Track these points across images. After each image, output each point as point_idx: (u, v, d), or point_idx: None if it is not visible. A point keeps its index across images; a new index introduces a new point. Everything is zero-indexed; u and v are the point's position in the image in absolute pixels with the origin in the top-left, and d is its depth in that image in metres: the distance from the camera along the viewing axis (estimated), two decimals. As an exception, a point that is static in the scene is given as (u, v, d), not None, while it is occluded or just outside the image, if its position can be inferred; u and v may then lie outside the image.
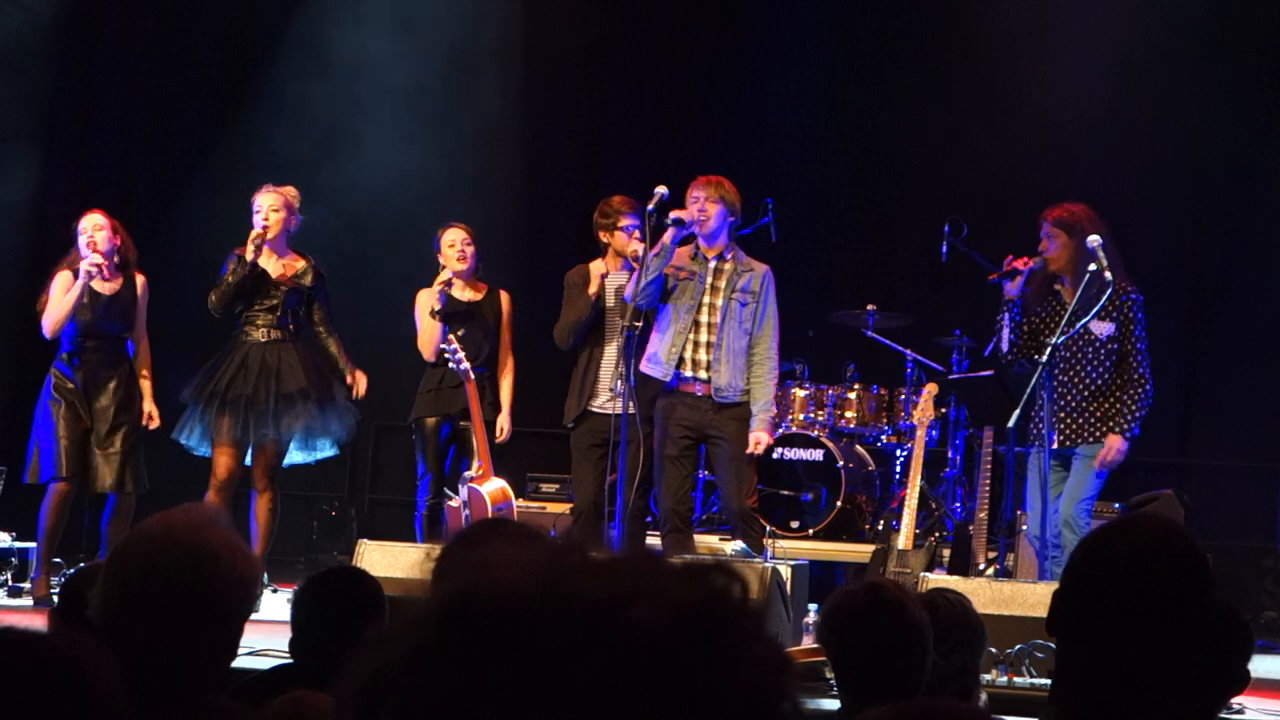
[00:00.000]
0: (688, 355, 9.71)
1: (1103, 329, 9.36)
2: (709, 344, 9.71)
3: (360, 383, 10.57)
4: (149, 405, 10.57)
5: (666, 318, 9.76)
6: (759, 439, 9.71)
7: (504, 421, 10.57)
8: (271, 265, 10.48)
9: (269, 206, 10.43)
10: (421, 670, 1.31)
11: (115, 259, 10.41)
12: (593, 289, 10.22)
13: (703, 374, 9.70)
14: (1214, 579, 2.93)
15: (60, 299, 10.29)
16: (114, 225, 10.42)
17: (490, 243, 11.08)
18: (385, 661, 1.33)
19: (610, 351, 10.17)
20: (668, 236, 9.61)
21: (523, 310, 10.84)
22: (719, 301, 9.72)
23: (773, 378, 9.83)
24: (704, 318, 9.72)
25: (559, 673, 1.28)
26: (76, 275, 10.29)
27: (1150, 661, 2.82)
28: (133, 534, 3.05)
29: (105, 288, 10.39)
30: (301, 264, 10.57)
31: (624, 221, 10.15)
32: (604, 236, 10.26)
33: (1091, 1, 12.94)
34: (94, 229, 10.34)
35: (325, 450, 10.73)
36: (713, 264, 9.76)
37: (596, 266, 10.28)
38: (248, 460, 10.45)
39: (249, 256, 10.33)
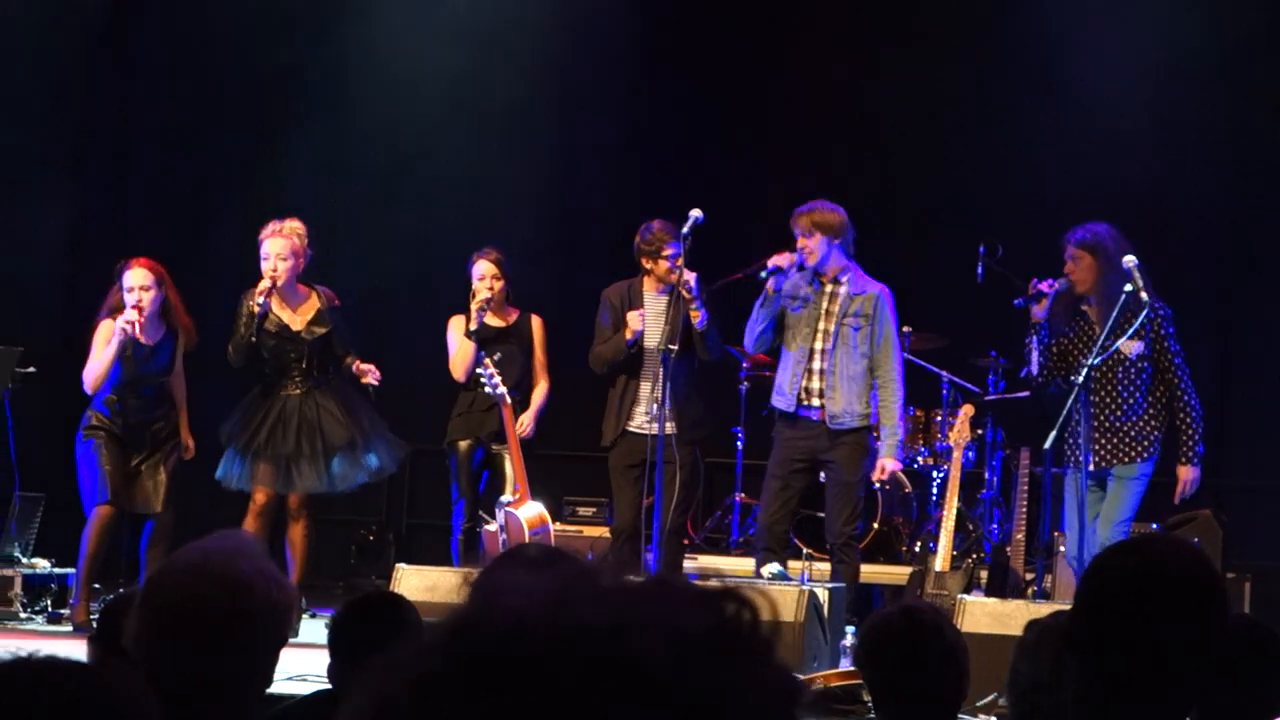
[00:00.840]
0: (803, 384, 9.77)
1: (1132, 348, 9.37)
2: (821, 370, 9.75)
3: (370, 373, 10.54)
4: (185, 436, 10.61)
5: (786, 349, 9.86)
6: (884, 465, 9.77)
7: (527, 418, 10.54)
8: (288, 317, 10.49)
9: (275, 255, 10.39)
10: (428, 699, 1.30)
11: (158, 309, 10.40)
12: (628, 334, 10.21)
13: (816, 401, 9.76)
14: (1227, 595, 2.91)
15: (100, 354, 10.29)
16: (158, 277, 10.35)
17: (525, 263, 11.10)
18: (391, 689, 1.32)
19: (645, 389, 10.18)
20: (770, 285, 9.73)
21: (559, 331, 10.84)
22: (831, 327, 9.77)
23: (897, 400, 9.82)
24: (818, 344, 9.79)
25: (565, 702, 1.27)
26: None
27: (1166, 679, 2.81)
28: (167, 564, 3.06)
29: (149, 339, 10.40)
30: (315, 308, 10.52)
31: (667, 250, 10.13)
32: (646, 263, 10.25)
33: (1125, 17, 12.90)
34: (140, 289, 10.22)
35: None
36: (828, 289, 9.81)
37: (634, 319, 10.23)
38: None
39: (255, 310, 10.35)
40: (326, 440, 10.45)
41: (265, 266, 10.39)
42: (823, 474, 10.00)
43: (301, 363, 10.51)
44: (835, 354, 9.73)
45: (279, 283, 10.37)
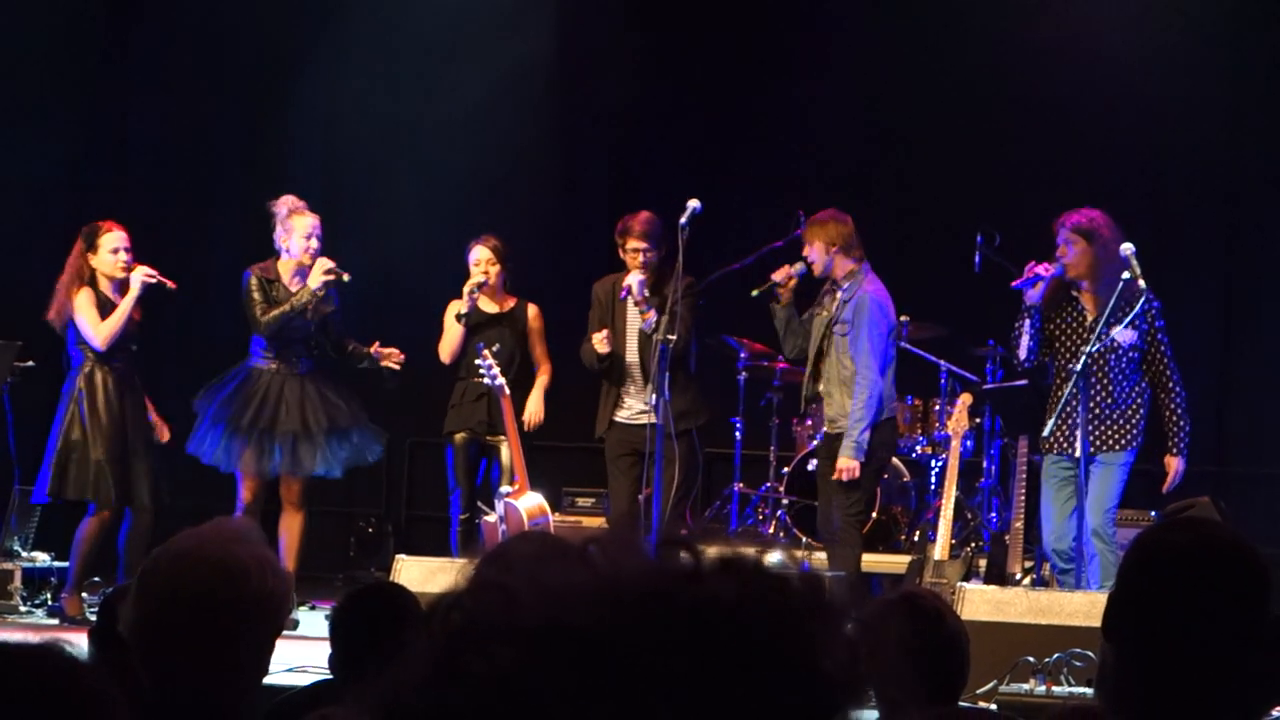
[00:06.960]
0: (810, 390, 10.00)
1: (1127, 337, 9.36)
2: (818, 376, 9.93)
3: (393, 355, 10.57)
4: (157, 420, 10.58)
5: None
6: (839, 466, 9.76)
7: (534, 405, 10.50)
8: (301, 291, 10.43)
9: (316, 234, 10.42)
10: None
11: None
12: (599, 348, 10.23)
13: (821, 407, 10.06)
14: (1270, 578, 2.82)
15: (90, 311, 10.24)
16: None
17: (522, 252, 11.09)
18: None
19: (629, 381, 10.23)
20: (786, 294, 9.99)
21: (555, 320, 10.83)
22: (826, 334, 9.86)
23: (862, 402, 9.80)
24: (815, 351, 9.94)
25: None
26: (95, 292, 10.27)
27: (1209, 663, 2.72)
28: (163, 550, 3.06)
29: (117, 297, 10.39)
30: (319, 282, 10.40)
31: (629, 244, 10.18)
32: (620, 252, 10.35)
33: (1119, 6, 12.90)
34: (124, 249, 10.30)
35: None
36: (825, 298, 9.97)
37: (599, 343, 10.21)
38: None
39: (315, 289, 10.28)
40: (330, 421, 10.40)
41: (305, 243, 10.31)
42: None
43: (308, 341, 10.46)
44: (827, 360, 9.82)
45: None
